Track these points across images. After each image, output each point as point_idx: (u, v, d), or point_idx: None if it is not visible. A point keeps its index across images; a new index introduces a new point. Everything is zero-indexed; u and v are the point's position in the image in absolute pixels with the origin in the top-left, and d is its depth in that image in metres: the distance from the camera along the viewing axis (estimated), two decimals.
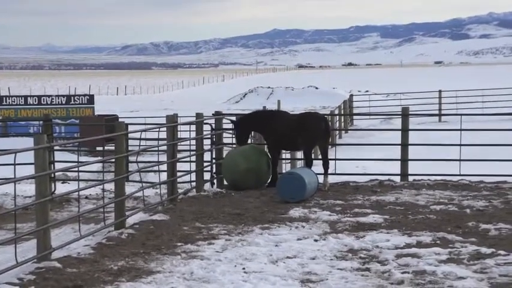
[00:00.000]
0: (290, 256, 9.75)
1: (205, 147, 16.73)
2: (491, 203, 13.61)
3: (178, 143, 15.73)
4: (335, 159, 17.18)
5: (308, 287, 8.44)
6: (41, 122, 22.54)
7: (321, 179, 15.43)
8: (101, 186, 15.19)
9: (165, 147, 15.10)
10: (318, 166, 15.81)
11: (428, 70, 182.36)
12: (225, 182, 16.59)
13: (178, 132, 15.62)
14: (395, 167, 16.91)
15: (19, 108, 32.36)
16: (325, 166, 15.82)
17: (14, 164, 9.22)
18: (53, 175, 17.41)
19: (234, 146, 17.57)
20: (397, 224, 11.76)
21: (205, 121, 16.67)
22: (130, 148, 17.75)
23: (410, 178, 16.63)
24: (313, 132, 15.66)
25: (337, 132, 33.43)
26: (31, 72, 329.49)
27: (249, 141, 17.45)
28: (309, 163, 15.70)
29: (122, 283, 8.54)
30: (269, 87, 75.14)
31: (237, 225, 11.82)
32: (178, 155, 15.50)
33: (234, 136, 17.08)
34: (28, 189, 16.86)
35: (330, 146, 17.17)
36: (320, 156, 16.42)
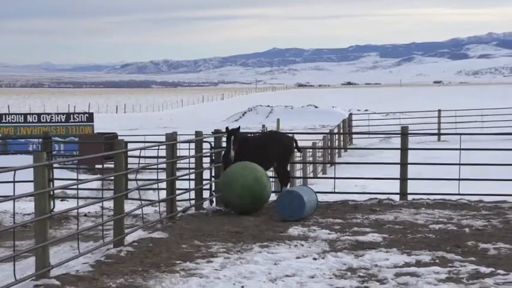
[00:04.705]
0: (289, 274, 9.73)
1: (205, 166, 16.72)
2: (490, 222, 13.60)
3: (178, 161, 15.72)
4: (334, 178, 17.19)
5: None
6: (40, 140, 22.55)
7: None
8: (100, 204, 15.20)
9: (164, 165, 15.10)
10: (317, 185, 15.79)
11: (428, 89, 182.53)
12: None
13: (178, 150, 15.61)
14: (395, 186, 16.90)
15: (18, 125, 32.44)
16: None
17: (14, 182, 9.24)
18: (52, 193, 17.39)
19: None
20: (396, 243, 11.74)
21: (204, 139, 16.67)
22: (129, 166, 17.73)
23: (410, 197, 16.62)
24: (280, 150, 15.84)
25: (337, 151, 33.47)
26: (30, 90, 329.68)
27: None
28: (285, 181, 15.97)
29: None
30: (268, 106, 75.39)
31: (236, 243, 11.81)
32: (178, 173, 15.50)
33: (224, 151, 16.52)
34: (27, 206, 16.83)
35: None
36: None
